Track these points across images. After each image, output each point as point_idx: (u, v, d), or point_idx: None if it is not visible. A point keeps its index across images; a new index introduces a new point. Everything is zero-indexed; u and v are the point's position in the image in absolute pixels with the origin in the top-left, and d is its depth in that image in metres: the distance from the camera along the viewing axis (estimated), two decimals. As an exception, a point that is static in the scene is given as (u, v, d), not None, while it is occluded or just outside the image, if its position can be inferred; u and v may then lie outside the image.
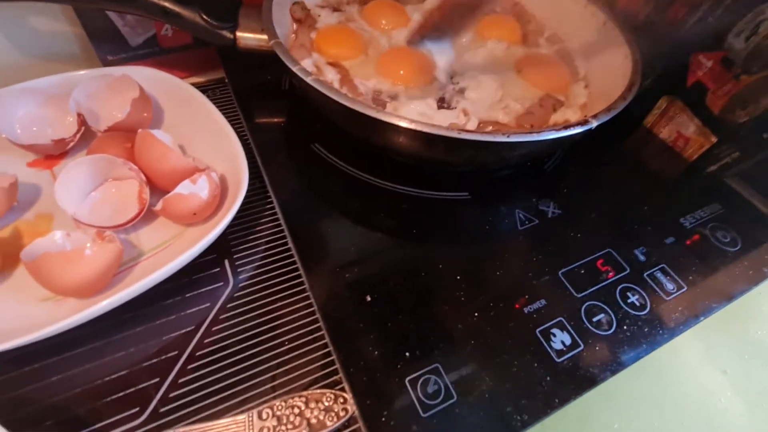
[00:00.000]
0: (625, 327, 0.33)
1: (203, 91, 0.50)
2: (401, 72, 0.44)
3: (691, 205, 0.42)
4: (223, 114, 0.43)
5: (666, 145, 0.48)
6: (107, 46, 0.48)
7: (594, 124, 0.34)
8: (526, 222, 0.39)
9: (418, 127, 0.31)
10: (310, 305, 0.35)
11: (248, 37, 0.41)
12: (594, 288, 0.35)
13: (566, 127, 0.33)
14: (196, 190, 0.36)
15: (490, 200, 0.40)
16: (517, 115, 0.42)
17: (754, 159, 0.41)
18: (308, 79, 0.34)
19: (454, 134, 0.31)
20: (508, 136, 0.32)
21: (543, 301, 0.33)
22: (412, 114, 0.40)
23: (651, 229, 0.39)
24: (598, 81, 0.46)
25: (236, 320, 0.34)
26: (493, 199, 0.40)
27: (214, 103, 0.45)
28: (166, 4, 0.39)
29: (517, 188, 0.42)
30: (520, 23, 0.53)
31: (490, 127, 0.40)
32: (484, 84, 0.44)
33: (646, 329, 0.33)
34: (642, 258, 0.37)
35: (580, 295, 0.34)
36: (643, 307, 0.34)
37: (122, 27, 0.47)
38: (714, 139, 0.43)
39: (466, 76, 0.46)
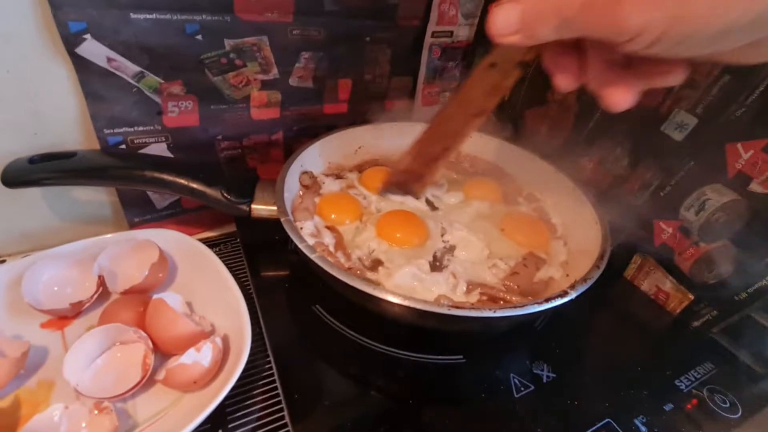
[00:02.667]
0: None
1: (216, 245, 0.55)
2: (398, 235, 0.49)
3: (684, 364, 0.43)
4: (232, 267, 0.47)
5: (648, 298, 0.51)
6: (136, 210, 0.54)
7: (573, 295, 0.37)
8: (522, 388, 0.39)
9: (410, 304, 0.34)
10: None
11: (261, 209, 0.47)
12: (599, 468, 0.33)
13: (548, 300, 0.36)
14: (199, 358, 0.37)
15: (484, 363, 0.41)
16: (505, 275, 0.46)
17: (733, 317, 0.43)
18: (313, 257, 0.38)
19: (444, 310, 0.34)
20: (494, 312, 0.34)
21: (546, 488, 0.32)
22: (406, 278, 0.43)
23: (648, 394, 0.40)
24: (574, 239, 0.51)
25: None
26: (488, 361, 0.41)
27: (225, 256, 0.49)
28: (195, 186, 0.46)
29: (510, 349, 0.43)
30: (500, 183, 0.60)
31: (478, 290, 0.43)
32: (471, 244, 0.49)
33: None
34: (644, 429, 0.37)
35: (584, 480, 0.33)
36: (653, 492, 0.32)
37: (152, 195, 0.54)
38: (691, 297, 0.46)
39: (455, 235, 0.50)
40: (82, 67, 0.43)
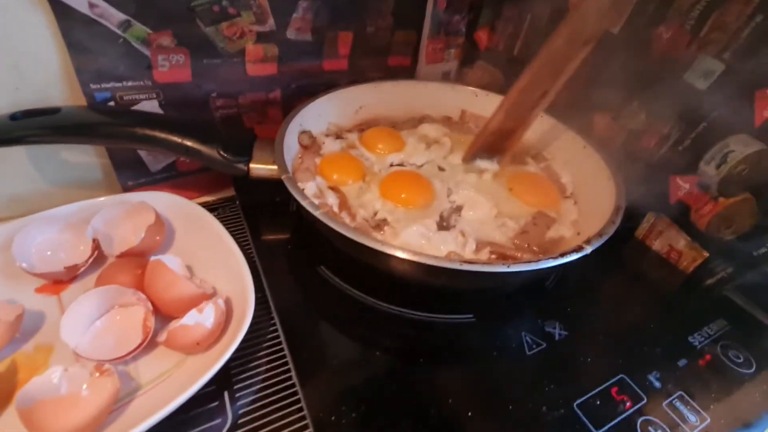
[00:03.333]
0: (653, 472, 0.30)
1: (214, 209, 0.53)
2: (402, 195, 0.47)
3: (696, 321, 0.42)
4: (232, 231, 0.45)
5: (660, 257, 0.50)
6: (129, 173, 0.52)
7: (588, 249, 0.35)
8: (534, 346, 0.38)
9: (421, 260, 0.33)
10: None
11: (260, 168, 0.45)
12: (613, 422, 0.33)
13: (563, 255, 0.35)
14: (201, 320, 0.36)
15: (495, 322, 0.40)
16: (514, 234, 0.44)
17: (749, 274, 0.42)
18: (317, 213, 0.36)
19: (456, 266, 0.33)
20: (508, 267, 0.33)
21: (561, 442, 0.31)
22: (413, 237, 0.42)
23: (661, 351, 0.39)
24: (585, 198, 0.49)
25: (233, 465, 0.32)
26: (498, 321, 0.40)
27: (224, 221, 0.47)
28: (189, 144, 0.43)
29: (521, 308, 0.42)
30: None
31: (488, 248, 0.41)
32: (479, 203, 0.47)
33: (676, 473, 0.31)
34: (657, 384, 0.36)
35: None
36: (668, 445, 0.32)
37: (145, 156, 0.51)
38: (705, 254, 0.45)
39: (462, 195, 0.49)
40: (63, 14, 0.40)
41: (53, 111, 0.42)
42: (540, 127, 0.57)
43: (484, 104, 0.61)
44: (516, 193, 0.50)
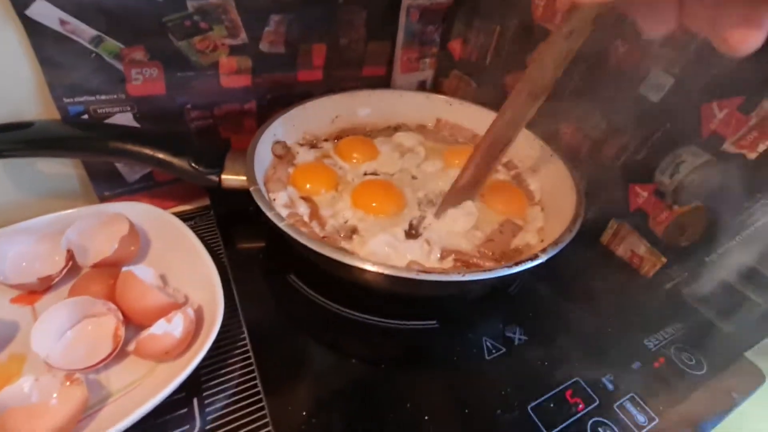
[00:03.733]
0: (599, 472, 0.32)
1: (190, 218, 0.54)
2: (373, 204, 0.48)
3: (653, 324, 0.44)
4: (207, 241, 0.46)
5: (623, 262, 0.51)
6: (106, 184, 0.52)
7: (543, 258, 0.37)
8: (494, 351, 0.40)
9: (378, 269, 0.34)
10: (276, 451, 0.34)
11: (231, 179, 0.46)
12: (564, 424, 0.34)
13: (518, 263, 0.36)
14: (170, 329, 0.37)
15: (457, 328, 0.42)
16: (480, 242, 0.46)
17: (702, 279, 0.44)
18: (281, 225, 0.37)
19: (413, 275, 0.34)
20: (463, 276, 0.34)
21: (513, 444, 0.33)
22: (379, 245, 0.43)
23: (617, 354, 0.40)
24: (551, 205, 0.51)
25: (199, 470, 0.33)
26: (461, 326, 0.42)
27: (199, 230, 0.49)
28: (161, 156, 0.44)
29: (484, 314, 0.44)
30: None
31: (452, 256, 0.43)
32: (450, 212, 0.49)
33: (622, 475, 0.32)
34: (610, 387, 0.38)
35: (551, 434, 0.34)
36: (615, 445, 0.33)
37: (121, 168, 0.52)
38: (664, 260, 0.47)
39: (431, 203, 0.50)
40: (35, 30, 0.41)
41: (26, 125, 0.43)
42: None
43: (459, 112, 0.63)
44: (486, 200, 0.51)
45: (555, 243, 0.38)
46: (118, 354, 0.38)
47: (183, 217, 0.50)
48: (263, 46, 0.53)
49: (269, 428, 0.34)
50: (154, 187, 0.56)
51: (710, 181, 0.41)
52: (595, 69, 0.47)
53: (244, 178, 0.44)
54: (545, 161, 0.53)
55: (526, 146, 0.56)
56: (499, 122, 0.40)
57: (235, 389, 0.38)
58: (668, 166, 0.43)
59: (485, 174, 0.46)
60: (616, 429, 0.35)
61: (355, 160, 0.55)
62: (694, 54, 0.39)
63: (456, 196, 0.48)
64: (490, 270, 0.35)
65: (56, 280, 0.43)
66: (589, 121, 0.50)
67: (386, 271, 0.34)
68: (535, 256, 0.37)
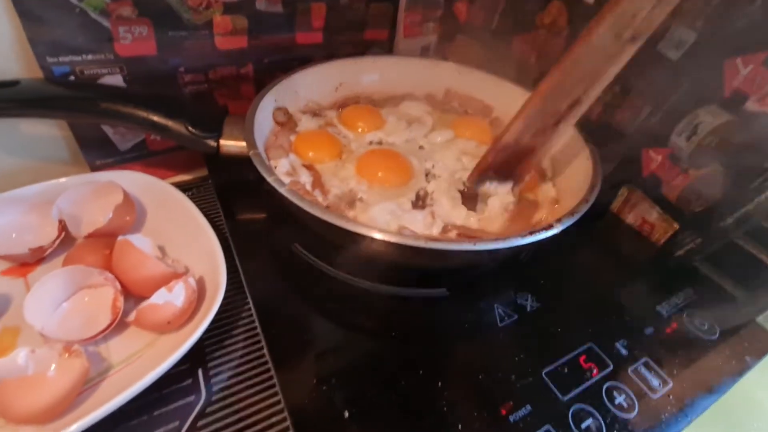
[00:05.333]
0: (615, 433, 0.31)
1: (187, 189, 0.52)
2: (379, 174, 0.46)
3: (665, 291, 0.43)
4: (206, 212, 0.45)
5: (633, 230, 0.50)
6: (96, 152, 0.50)
7: (558, 228, 0.35)
8: (506, 318, 0.39)
9: (386, 237, 0.32)
10: (285, 419, 0.33)
11: (230, 145, 0.44)
12: (579, 389, 0.34)
13: (532, 233, 0.34)
14: (171, 298, 0.35)
15: (468, 296, 0.41)
16: (491, 219, 0.43)
17: (717, 245, 0.43)
18: (282, 190, 0.35)
19: (421, 244, 0.32)
20: (474, 244, 0.33)
21: (528, 407, 0.32)
22: (381, 214, 0.41)
23: (629, 320, 0.40)
24: (565, 179, 0.48)
25: (207, 440, 0.32)
26: (472, 294, 0.41)
27: (197, 201, 0.46)
28: (155, 119, 0.42)
29: (494, 281, 0.42)
30: (490, 124, 0.57)
31: (455, 232, 0.41)
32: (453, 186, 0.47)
33: (637, 434, 0.32)
34: (624, 352, 0.37)
35: (566, 398, 0.33)
36: (631, 408, 0.33)
37: (112, 135, 0.49)
38: (676, 226, 0.46)
39: (440, 178, 0.48)
40: (12, -20, 0.38)
41: (12, 83, 0.40)
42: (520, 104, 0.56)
43: (469, 82, 0.60)
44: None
45: (571, 213, 0.37)
46: (118, 325, 0.37)
47: (180, 187, 0.47)
48: (260, 5, 0.50)
49: (279, 397, 0.34)
50: (148, 156, 0.53)
51: (729, 143, 0.39)
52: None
53: (244, 143, 0.41)
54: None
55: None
56: (566, 63, 0.29)
57: (241, 360, 0.37)
58: (685, 128, 0.42)
59: (536, 144, 0.34)
60: (630, 393, 0.34)
61: (360, 129, 0.53)
62: (720, 5, 0.37)
63: (496, 160, 0.36)
64: (504, 239, 0.33)
65: (49, 251, 0.41)
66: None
67: (392, 239, 0.32)
68: (550, 226, 0.35)
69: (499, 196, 0.44)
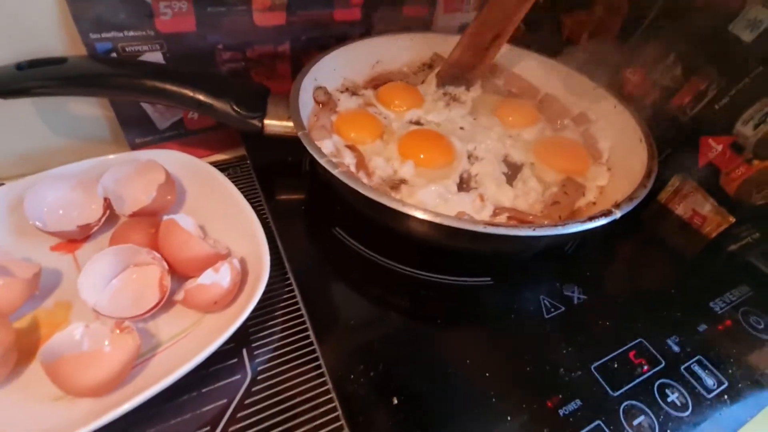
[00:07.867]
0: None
1: (225, 168, 0.52)
2: (422, 155, 0.45)
3: (718, 287, 0.41)
4: (244, 191, 0.44)
5: (683, 222, 0.48)
6: (136, 130, 0.50)
7: (618, 214, 0.34)
8: (552, 309, 0.38)
9: (442, 221, 0.32)
10: (331, 400, 0.33)
11: (275, 125, 0.43)
12: (630, 385, 0.33)
13: (591, 219, 0.33)
14: (217, 279, 0.36)
15: (513, 285, 0.40)
16: (543, 205, 0.42)
17: (776, 240, 0.41)
18: (335, 172, 0.35)
19: (479, 228, 0.31)
20: (534, 230, 0.32)
21: (578, 402, 0.31)
22: (430, 196, 0.40)
23: (681, 315, 0.38)
24: (618, 162, 0.46)
25: (254, 418, 0.33)
26: (516, 284, 0.40)
27: (236, 180, 0.46)
28: (201, 97, 0.41)
29: (539, 272, 0.41)
30: (540, 106, 0.54)
31: (506, 214, 0.40)
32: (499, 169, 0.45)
33: (691, 433, 0.31)
34: (676, 348, 0.36)
35: (616, 394, 0.32)
36: (684, 407, 0.32)
37: (152, 113, 0.49)
38: (732, 219, 0.43)
39: (483, 160, 0.46)
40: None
41: (60, 61, 0.40)
42: (571, 84, 0.53)
43: (511, 58, 0.57)
44: (543, 157, 0.47)
45: (630, 198, 0.35)
46: (165, 303, 0.37)
47: (217, 166, 0.47)
48: (300, -20, 0.48)
49: (324, 378, 0.34)
50: (186, 135, 0.53)
51: (804, 132, 0.37)
52: (674, 5, 0.42)
53: (290, 123, 0.41)
54: (610, 113, 0.49)
55: (586, 96, 0.51)
56: (485, 12, 0.44)
57: (284, 340, 0.38)
58: (754, 116, 0.39)
59: (476, 62, 0.50)
60: (684, 391, 0.33)
61: (398, 108, 0.51)
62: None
63: (447, 72, 0.53)
64: (562, 225, 0.32)
65: (95, 228, 0.42)
66: (660, 65, 0.45)
67: (451, 223, 0.31)
68: (609, 212, 0.34)
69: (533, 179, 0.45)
